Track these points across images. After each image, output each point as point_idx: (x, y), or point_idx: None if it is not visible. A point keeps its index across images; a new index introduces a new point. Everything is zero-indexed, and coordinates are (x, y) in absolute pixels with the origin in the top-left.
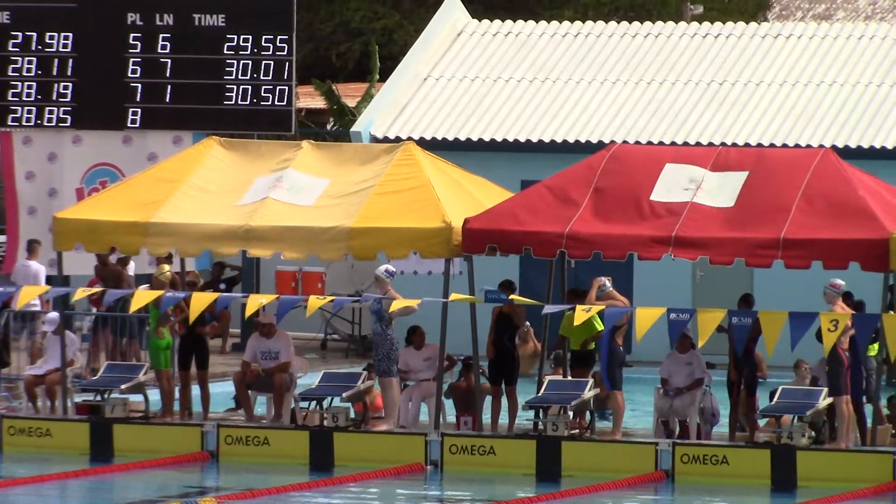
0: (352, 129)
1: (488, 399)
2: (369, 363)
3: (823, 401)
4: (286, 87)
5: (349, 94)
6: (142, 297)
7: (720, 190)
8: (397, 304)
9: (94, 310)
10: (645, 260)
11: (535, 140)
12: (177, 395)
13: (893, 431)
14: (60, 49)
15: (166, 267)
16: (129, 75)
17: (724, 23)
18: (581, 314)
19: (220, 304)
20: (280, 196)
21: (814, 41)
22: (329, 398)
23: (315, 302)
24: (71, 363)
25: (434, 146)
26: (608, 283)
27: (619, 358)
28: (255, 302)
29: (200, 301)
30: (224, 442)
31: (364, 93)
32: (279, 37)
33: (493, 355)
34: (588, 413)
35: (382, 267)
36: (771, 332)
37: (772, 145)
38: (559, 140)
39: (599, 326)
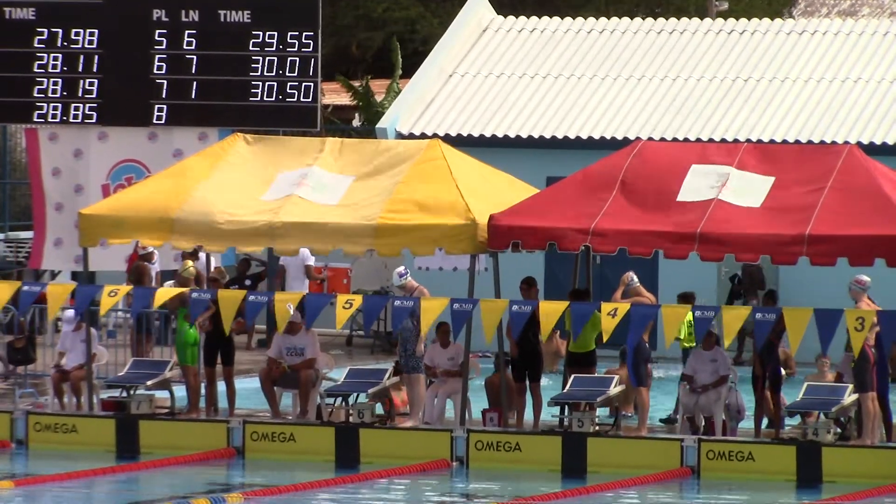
0: (377, 126)
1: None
2: (398, 360)
3: (849, 397)
4: (312, 84)
5: (373, 88)
6: (164, 294)
7: (746, 191)
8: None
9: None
10: (671, 258)
11: (560, 136)
12: (203, 391)
13: None
14: (86, 45)
15: (190, 263)
16: (155, 72)
17: (748, 19)
18: (608, 320)
19: (250, 308)
20: (305, 194)
21: (839, 38)
22: (355, 394)
23: (343, 314)
24: (94, 358)
25: (459, 142)
26: (635, 279)
27: (644, 354)
28: (283, 308)
29: (232, 302)
30: (250, 438)
31: (387, 88)
32: (305, 33)
33: (518, 352)
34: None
35: (395, 274)
36: (795, 329)
37: (797, 142)
38: (584, 136)
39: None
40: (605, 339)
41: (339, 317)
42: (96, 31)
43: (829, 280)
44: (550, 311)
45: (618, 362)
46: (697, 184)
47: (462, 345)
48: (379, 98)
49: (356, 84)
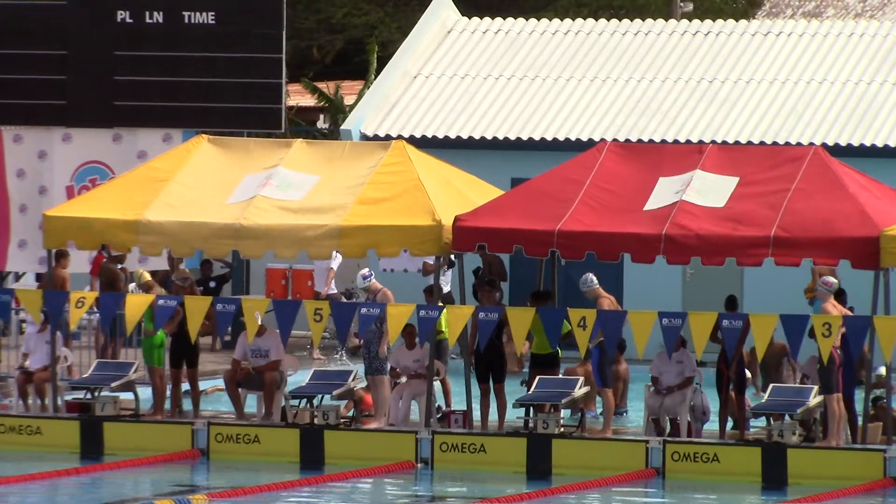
0: (342, 128)
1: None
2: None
3: (814, 399)
4: (276, 85)
5: (341, 91)
6: (136, 303)
7: (711, 191)
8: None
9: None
10: (638, 262)
11: (524, 138)
12: (168, 392)
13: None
14: (50, 46)
15: (141, 271)
16: (119, 73)
17: (714, 20)
18: (580, 332)
19: (220, 319)
20: (269, 193)
21: (804, 39)
22: (319, 396)
23: (317, 329)
24: (58, 360)
25: (424, 144)
26: (594, 280)
27: (610, 356)
28: (252, 317)
29: (199, 309)
30: (214, 440)
31: (360, 91)
32: (268, 34)
33: (481, 354)
34: (580, 411)
35: (359, 276)
36: (762, 335)
37: (762, 143)
38: (549, 138)
39: (568, 327)
40: (582, 354)
41: (314, 332)
42: (60, 31)
43: (792, 281)
44: (520, 317)
45: (576, 361)
46: (664, 191)
47: (427, 346)
48: (347, 100)
49: (321, 86)
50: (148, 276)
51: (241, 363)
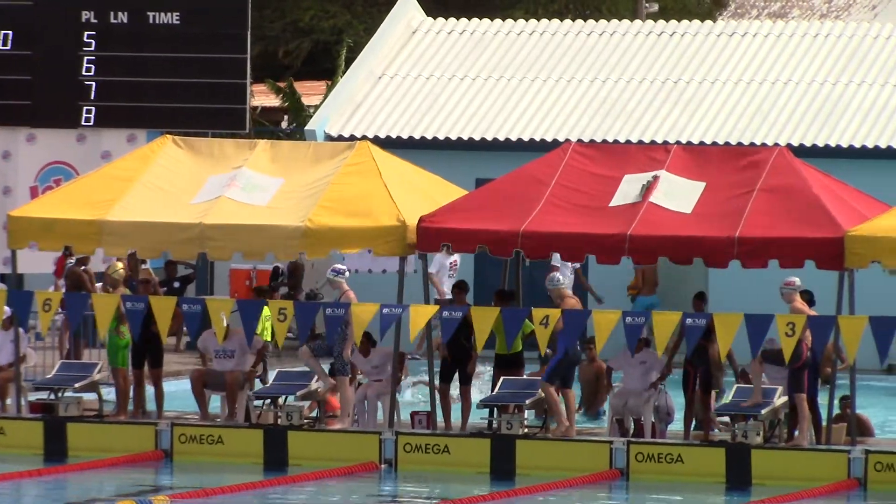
0: (306, 128)
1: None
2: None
3: (779, 399)
4: (240, 86)
5: (303, 91)
6: (104, 305)
7: (677, 195)
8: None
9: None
10: (602, 264)
11: (489, 138)
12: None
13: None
14: (15, 47)
15: (119, 264)
16: (84, 73)
17: (678, 21)
18: (541, 330)
19: (188, 320)
20: (234, 195)
21: (769, 39)
22: (283, 397)
23: (281, 328)
24: (23, 359)
25: (389, 144)
26: (561, 279)
27: (574, 357)
28: (218, 319)
29: (167, 309)
30: (178, 441)
31: (325, 92)
32: (234, 35)
33: (449, 355)
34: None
35: (330, 269)
36: (725, 334)
37: (727, 144)
38: (514, 138)
39: (531, 326)
40: (542, 352)
41: (278, 331)
42: (25, 32)
43: (757, 281)
44: (483, 317)
45: (538, 365)
46: (629, 189)
47: (389, 349)
48: (313, 100)
49: (283, 86)
50: (122, 270)
51: (206, 357)
